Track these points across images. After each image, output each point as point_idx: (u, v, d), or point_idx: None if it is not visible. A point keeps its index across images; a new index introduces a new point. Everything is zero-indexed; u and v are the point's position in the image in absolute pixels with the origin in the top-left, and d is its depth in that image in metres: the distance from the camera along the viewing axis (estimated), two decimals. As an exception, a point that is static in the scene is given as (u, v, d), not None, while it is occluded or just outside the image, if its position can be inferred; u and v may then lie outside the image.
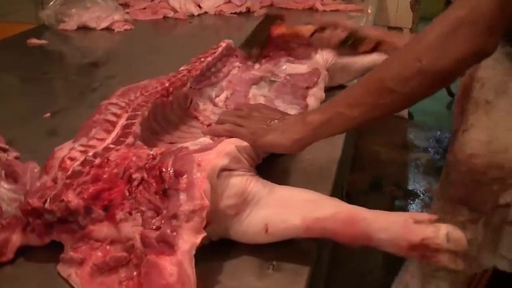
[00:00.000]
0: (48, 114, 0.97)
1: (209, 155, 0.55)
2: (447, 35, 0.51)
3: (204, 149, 0.58)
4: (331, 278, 1.20)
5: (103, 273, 0.54)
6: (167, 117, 0.78)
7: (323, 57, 0.98)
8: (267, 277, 0.55)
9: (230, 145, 0.59)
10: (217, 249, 0.58)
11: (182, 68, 0.90)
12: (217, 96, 0.89)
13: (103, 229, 0.55)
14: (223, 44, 0.98)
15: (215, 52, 0.95)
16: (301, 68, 0.98)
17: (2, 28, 1.58)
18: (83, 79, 1.19)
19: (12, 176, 0.69)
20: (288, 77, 0.94)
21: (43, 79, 1.20)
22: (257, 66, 0.99)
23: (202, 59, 0.92)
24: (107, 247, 0.55)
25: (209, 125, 0.81)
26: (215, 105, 0.87)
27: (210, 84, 0.90)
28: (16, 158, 0.76)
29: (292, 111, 0.86)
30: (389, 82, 0.53)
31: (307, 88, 0.92)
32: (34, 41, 1.44)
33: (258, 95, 0.90)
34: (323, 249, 0.79)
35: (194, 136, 0.74)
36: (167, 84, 0.80)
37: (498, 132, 0.63)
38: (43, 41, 1.45)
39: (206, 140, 0.65)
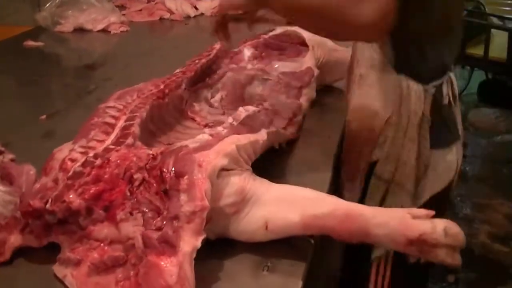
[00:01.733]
0: (44, 117, 0.97)
1: (209, 155, 0.56)
2: None
3: (204, 147, 0.58)
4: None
5: (99, 273, 0.54)
6: (163, 118, 0.79)
7: (315, 56, 0.98)
8: (262, 278, 0.55)
9: (230, 144, 0.59)
10: (213, 250, 0.57)
11: (177, 70, 0.91)
12: (212, 97, 0.90)
13: (103, 229, 0.56)
14: (217, 46, 0.98)
15: (209, 54, 0.95)
16: (292, 66, 0.98)
17: (-2, 30, 1.58)
18: (79, 81, 1.19)
19: (7, 178, 0.69)
20: (281, 76, 0.94)
21: (39, 81, 1.19)
22: (249, 66, 0.99)
23: (197, 61, 0.92)
24: (105, 248, 0.55)
25: (205, 125, 0.81)
26: (210, 106, 0.88)
27: (205, 86, 0.91)
28: (12, 160, 0.76)
29: (284, 110, 0.86)
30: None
31: (301, 87, 0.92)
32: (31, 43, 1.44)
33: (253, 94, 0.91)
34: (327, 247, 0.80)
35: (190, 137, 0.74)
36: (162, 86, 0.80)
37: (367, 100, 0.73)
38: (39, 43, 1.45)
39: (205, 136, 0.65)
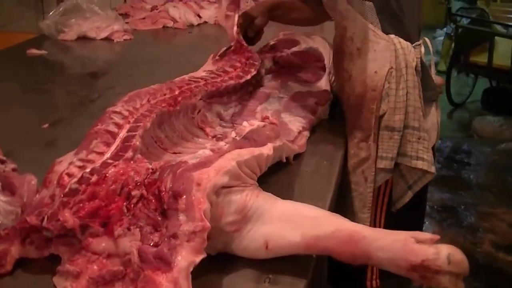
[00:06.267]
0: (47, 125, 0.97)
1: (208, 173, 0.55)
2: None
3: (204, 163, 0.57)
4: None
5: (98, 287, 0.53)
6: (172, 125, 0.78)
7: (330, 81, 1.00)
8: (263, 290, 0.54)
9: (230, 161, 0.58)
10: (214, 263, 0.57)
11: (201, 73, 0.89)
12: (225, 111, 0.90)
13: (101, 243, 0.55)
14: (253, 71, 0.96)
15: (242, 77, 0.93)
16: (307, 89, 0.99)
17: (2, 37, 1.59)
18: (82, 89, 1.19)
19: (9, 188, 0.68)
20: (297, 94, 0.96)
21: (43, 89, 1.20)
22: (265, 81, 1.00)
23: (226, 78, 0.90)
24: (104, 261, 0.55)
25: (214, 136, 0.81)
26: (222, 119, 0.88)
27: (221, 102, 0.90)
28: (14, 170, 0.75)
29: (296, 123, 0.87)
30: None
31: (316, 104, 0.93)
32: (34, 51, 1.44)
33: (267, 109, 0.91)
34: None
35: (198, 147, 0.74)
36: (177, 92, 0.79)
37: (367, 64, 0.83)
38: (43, 51, 1.45)
39: (205, 152, 0.64)
